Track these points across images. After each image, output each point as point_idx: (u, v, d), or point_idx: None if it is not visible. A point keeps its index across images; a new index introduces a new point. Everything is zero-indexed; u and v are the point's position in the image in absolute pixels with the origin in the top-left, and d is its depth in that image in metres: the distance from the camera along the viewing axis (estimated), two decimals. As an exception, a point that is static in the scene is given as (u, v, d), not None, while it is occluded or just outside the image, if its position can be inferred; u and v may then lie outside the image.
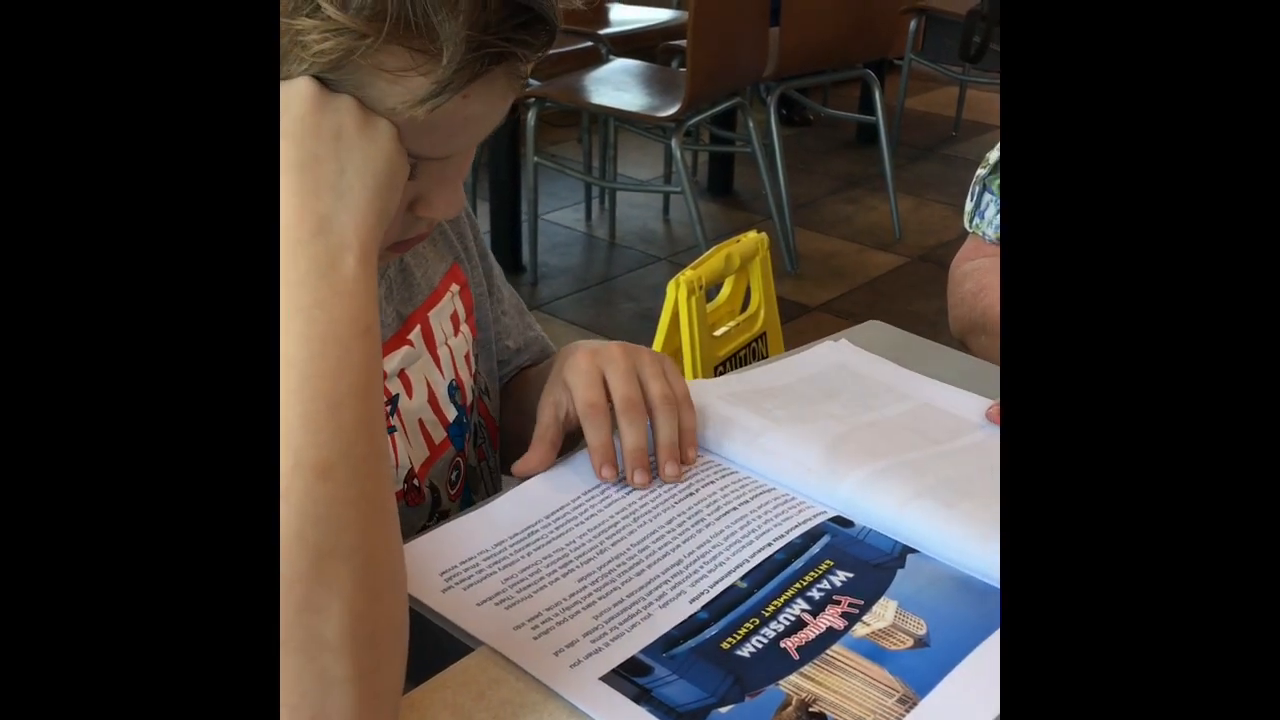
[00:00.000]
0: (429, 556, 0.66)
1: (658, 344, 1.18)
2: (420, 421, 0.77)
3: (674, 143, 2.72)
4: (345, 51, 0.50)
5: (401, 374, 0.75)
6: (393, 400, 0.74)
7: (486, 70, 0.52)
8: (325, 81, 0.52)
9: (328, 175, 0.51)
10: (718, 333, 1.23)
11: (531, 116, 2.78)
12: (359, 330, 0.51)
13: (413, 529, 0.73)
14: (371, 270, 0.53)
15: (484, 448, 0.85)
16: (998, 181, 1.13)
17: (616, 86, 2.87)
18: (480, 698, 0.56)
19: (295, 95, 0.51)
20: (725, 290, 1.25)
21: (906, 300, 2.88)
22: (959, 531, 0.68)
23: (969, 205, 1.16)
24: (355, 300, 0.51)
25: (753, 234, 1.24)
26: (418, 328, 0.77)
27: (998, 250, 1.12)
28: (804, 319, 2.77)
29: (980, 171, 1.15)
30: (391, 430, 0.74)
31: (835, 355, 0.93)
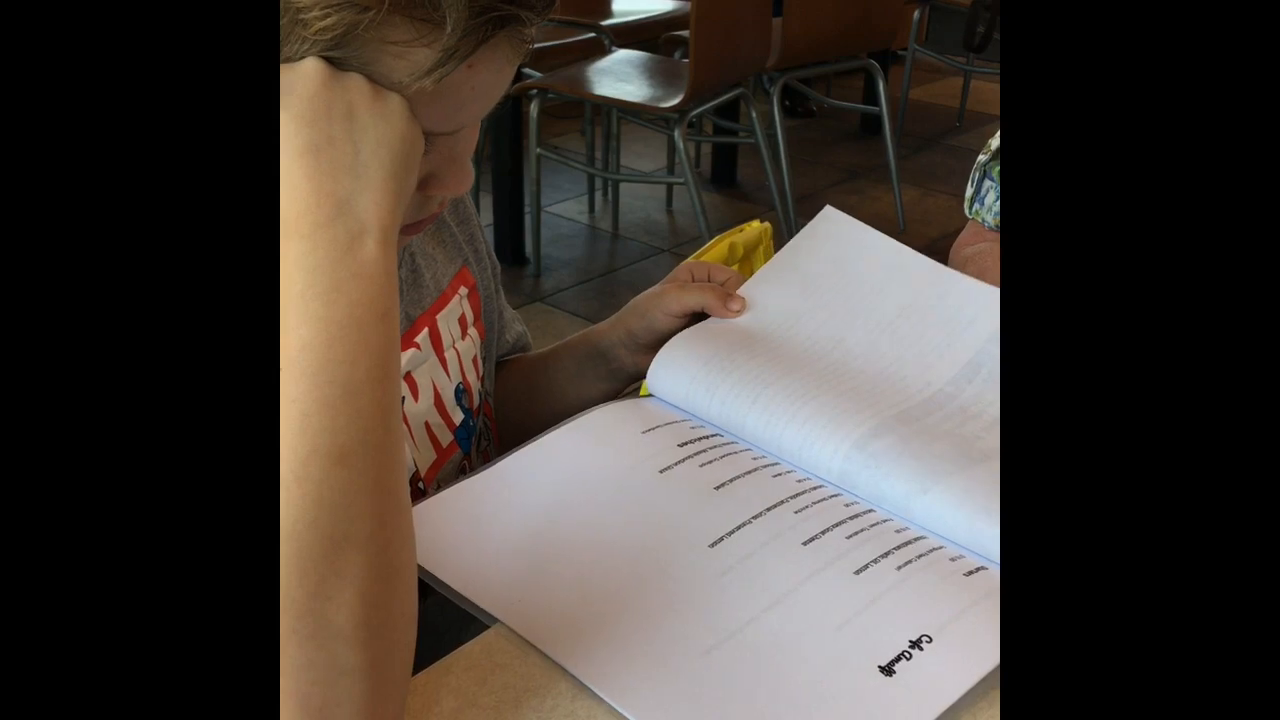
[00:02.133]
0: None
1: (660, 333, 1.18)
2: (427, 425, 0.76)
3: (677, 134, 2.72)
4: (348, 27, 0.49)
5: (407, 376, 0.74)
6: None
7: (491, 35, 0.51)
8: (331, 60, 0.50)
9: (343, 156, 0.50)
10: (720, 322, 1.22)
11: (534, 108, 2.78)
12: (377, 314, 0.50)
13: None
14: (391, 253, 0.51)
15: (488, 450, 0.85)
16: (998, 168, 1.13)
17: (619, 78, 2.87)
18: (483, 682, 0.56)
19: (302, 76, 0.50)
20: (728, 279, 1.25)
21: (910, 290, 2.87)
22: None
23: (969, 191, 1.16)
24: (374, 283, 0.50)
25: (756, 223, 1.23)
26: (425, 331, 0.76)
27: (997, 236, 1.12)
28: (808, 309, 2.76)
29: (981, 158, 1.15)
30: None
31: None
